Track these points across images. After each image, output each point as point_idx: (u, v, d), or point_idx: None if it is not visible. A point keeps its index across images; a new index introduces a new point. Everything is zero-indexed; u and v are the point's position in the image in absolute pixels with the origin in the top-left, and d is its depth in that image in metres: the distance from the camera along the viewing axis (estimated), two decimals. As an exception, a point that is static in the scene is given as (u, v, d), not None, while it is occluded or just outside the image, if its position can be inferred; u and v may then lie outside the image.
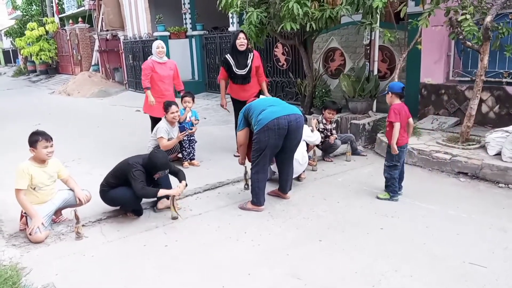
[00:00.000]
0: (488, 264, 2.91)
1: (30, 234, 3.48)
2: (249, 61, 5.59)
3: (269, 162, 4.08)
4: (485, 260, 2.96)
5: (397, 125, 3.97)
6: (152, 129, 6.14)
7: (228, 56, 5.64)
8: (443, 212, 3.81)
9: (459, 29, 5.06)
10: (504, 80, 5.82)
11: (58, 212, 3.87)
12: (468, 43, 5.02)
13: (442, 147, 5.16)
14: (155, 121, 6.13)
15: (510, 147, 4.51)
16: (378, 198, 4.17)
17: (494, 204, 3.94)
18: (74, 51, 19.24)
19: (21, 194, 3.51)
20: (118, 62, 15.60)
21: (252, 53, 5.67)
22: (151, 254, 3.27)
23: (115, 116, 10.17)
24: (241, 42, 5.54)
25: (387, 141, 4.18)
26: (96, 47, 17.16)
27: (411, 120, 4.12)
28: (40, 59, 20.72)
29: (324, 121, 5.54)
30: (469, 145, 5.06)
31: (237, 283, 2.83)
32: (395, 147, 4.01)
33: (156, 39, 11.61)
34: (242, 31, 5.80)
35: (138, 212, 3.93)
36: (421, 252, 3.12)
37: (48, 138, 3.62)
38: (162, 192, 3.82)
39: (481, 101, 5.82)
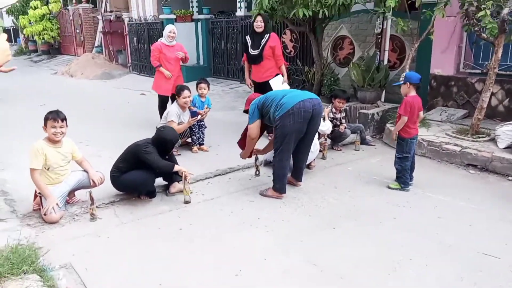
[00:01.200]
0: (501, 255, 2.95)
1: (45, 214, 3.50)
2: (263, 41, 5.77)
3: (293, 147, 3.94)
4: (498, 251, 3.00)
5: (404, 119, 4.00)
6: (159, 109, 6.63)
7: (247, 37, 5.97)
8: (454, 203, 3.84)
9: (474, 20, 5.03)
10: (515, 73, 5.81)
11: (71, 193, 3.88)
12: (483, 35, 4.99)
13: (452, 138, 5.17)
14: (162, 101, 6.65)
15: (521, 140, 4.52)
16: (389, 187, 4.20)
17: (504, 196, 3.97)
18: (77, 31, 19.06)
19: (36, 174, 3.52)
20: (122, 44, 15.47)
21: (268, 34, 5.83)
22: (166, 237, 3.30)
23: (120, 99, 10.13)
24: (258, 25, 5.78)
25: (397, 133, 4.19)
26: (99, 28, 17.01)
27: (421, 113, 4.14)
28: (43, 39, 20.54)
29: (333, 110, 5.53)
30: (479, 137, 5.07)
31: (253, 267, 2.87)
32: (394, 136, 4.12)
33: (159, 22, 11.61)
34: (260, 14, 5.95)
35: (151, 194, 3.95)
36: (435, 242, 3.15)
37: (56, 118, 3.56)
38: (176, 167, 3.86)
39: (491, 94, 5.79)
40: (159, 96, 6.65)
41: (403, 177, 4.13)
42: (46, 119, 3.58)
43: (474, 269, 2.80)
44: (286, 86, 5.86)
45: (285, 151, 3.89)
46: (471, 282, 2.67)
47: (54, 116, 3.57)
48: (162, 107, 6.68)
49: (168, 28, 6.48)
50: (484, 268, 2.81)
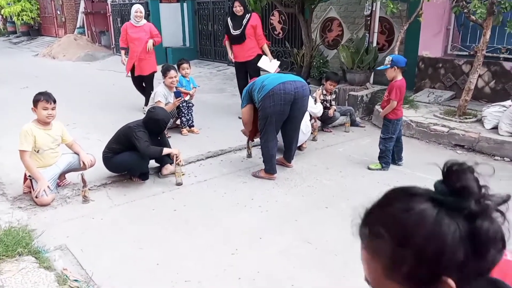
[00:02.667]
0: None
1: (36, 197, 3.46)
2: (244, 21, 5.92)
3: (276, 129, 3.99)
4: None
5: (393, 104, 4.04)
6: (137, 89, 6.73)
7: (228, 19, 6.06)
8: (443, 182, 3.92)
9: (463, 2, 5.06)
10: (501, 55, 5.90)
11: (62, 176, 3.84)
12: (472, 17, 5.03)
13: (440, 120, 5.25)
14: (134, 81, 6.69)
15: (507, 121, 4.62)
16: (369, 168, 4.25)
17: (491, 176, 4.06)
18: (58, 12, 18.51)
19: (26, 156, 3.46)
20: (105, 25, 15.09)
21: (249, 14, 5.98)
22: (161, 218, 3.30)
23: (105, 80, 9.94)
24: (237, 10, 5.94)
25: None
26: (81, 9, 16.53)
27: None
28: (22, 19, 19.83)
29: (324, 91, 5.55)
30: (466, 118, 5.16)
31: (250, 247, 2.90)
32: (383, 115, 4.17)
33: (143, 3, 11.36)
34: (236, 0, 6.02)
35: (144, 176, 3.93)
36: (425, 220, 3.23)
37: (49, 99, 3.53)
38: (166, 150, 3.85)
39: (478, 76, 5.88)
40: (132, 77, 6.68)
41: (386, 157, 4.20)
42: (37, 100, 3.51)
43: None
44: (276, 63, 6.02)
45: (269, 132, 3.91)
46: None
47: (47, 98, 3.52)
48: (138, 86, 6.69)
49: (134, 7, 6.35)
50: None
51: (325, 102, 5.53)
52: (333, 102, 5.61)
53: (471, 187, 0.73)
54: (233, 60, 6.26)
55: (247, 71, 6.21)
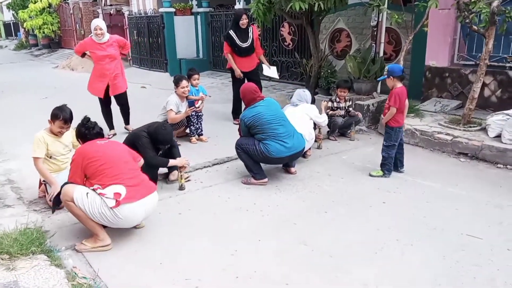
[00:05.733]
0: (484, 236, 3.10)
1: (50, 200, 3.66)
2: (250, 34, 6.28)
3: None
4: (481, 232, 3.16)
5: (393, 110, 4.15)
6: (102, 114, 6.14)
7: (231, 32, 6.27)
8: (443, 189, 4.00)
9: (466, 12, 5.14)
10: (507, 64, 5.92)
11: (74, 180, 4.04)
12: (474, 27, 5.11)
13: (444, 128, 5.31)
14: (101, 104, 6.14)
15: (510, 129, 4.66)
16: (370, 175, 4.35)
17: (492, 183, 4.12)
18: (77, 25, 19.16)
19: (39, 162, 3.68)
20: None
21: (251, 27, 6.33)
22: (166, 221, 3.47)
23: (121, 91, 10.24)
24: (244, 22, 6.22)
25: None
26: (99, 22, 17.07)
27: (407, 101, 4.31)
28: (43, 32, 20.61)
29: (338, 99, 5.71)
30: (470, 127, 5.21)
31: (248, 248, 3.03)
32: (384, 124, 4.28)
33: (162, 15, 11.74)
34: (245, 12, 6.42)
35: (153, 182, 4.09)
36: (421, 225, 3.31)
37: (67, 120, 3.74)
38: (172, 162, 4.02)
39: (484, 85, 5.91)
40: (99, 100, 6.06)
41: (388, 164, 4.29)
42: (55, 116, 3.70)
43: (456, 249, 2.96)
44: (274, 68, 6.56)
45: (248, 150, 4.14)
46: (453, 260, 2.83)
47: (66, 119, 3.71)
48: (105, 113, 6.10)
49: (93, 24, 5.77)
50: (466, 248, 2.97)
51: (339, 110, 5.69)
52: (350, 109, 5.79)
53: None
54: (241, 75, 6.38)
55: (247, 79, 6.42)
